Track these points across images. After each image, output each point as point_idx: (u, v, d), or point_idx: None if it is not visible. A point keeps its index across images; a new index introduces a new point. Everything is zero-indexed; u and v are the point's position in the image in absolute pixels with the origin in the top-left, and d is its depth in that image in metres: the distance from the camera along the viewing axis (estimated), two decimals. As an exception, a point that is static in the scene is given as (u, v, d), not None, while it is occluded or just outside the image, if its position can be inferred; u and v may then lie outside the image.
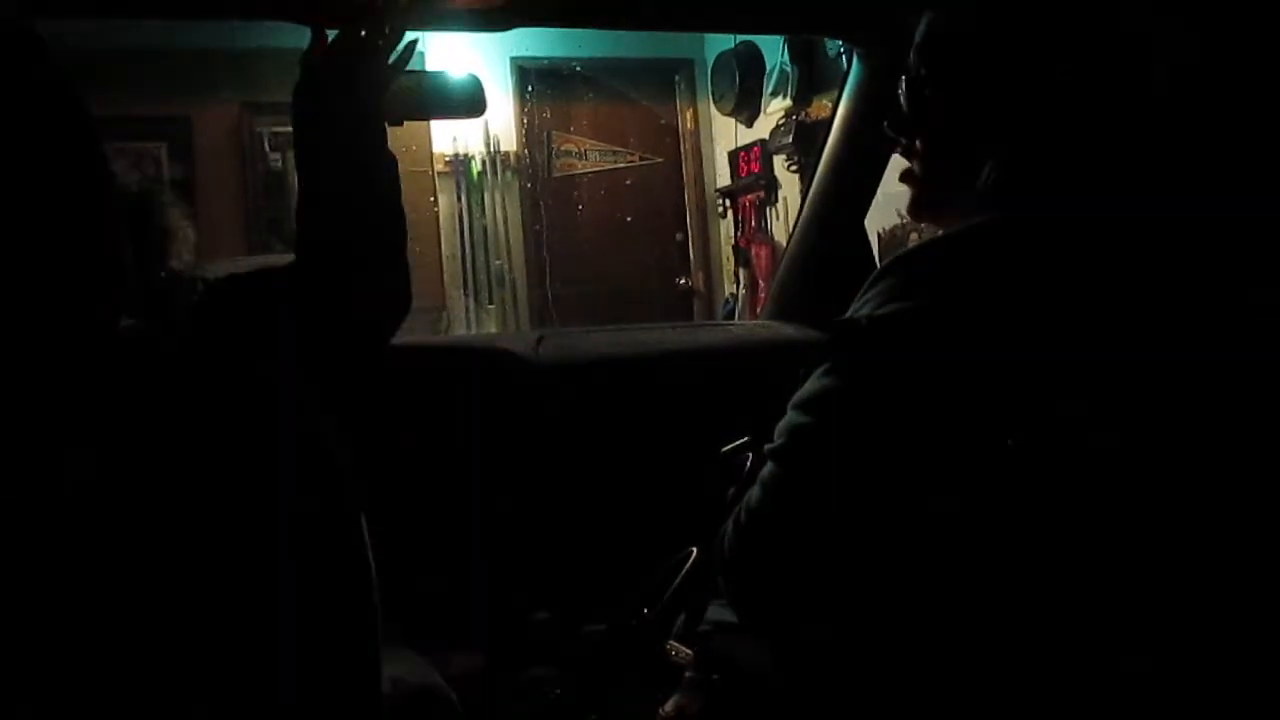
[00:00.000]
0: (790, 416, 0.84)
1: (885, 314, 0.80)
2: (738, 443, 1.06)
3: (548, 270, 4.85)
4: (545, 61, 4.68)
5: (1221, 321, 0.81)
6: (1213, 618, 0.78)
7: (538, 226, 4.84)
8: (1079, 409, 0.77)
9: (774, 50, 4.32)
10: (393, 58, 1.01)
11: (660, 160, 5.11)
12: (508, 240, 4.76)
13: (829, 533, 0.81)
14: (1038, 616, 0.78)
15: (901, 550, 0.80)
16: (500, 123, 4.68)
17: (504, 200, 4.74)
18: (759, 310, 2.89)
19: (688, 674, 1.04)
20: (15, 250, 0.50)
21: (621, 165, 5.03)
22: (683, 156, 5.15)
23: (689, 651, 1.06)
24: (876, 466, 0.79)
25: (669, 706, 1.01)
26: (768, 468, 0.85)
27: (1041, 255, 0.81)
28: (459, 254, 4.65)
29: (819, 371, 0.83)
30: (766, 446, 0.86)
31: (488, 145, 4.68)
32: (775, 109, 4.39)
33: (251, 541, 0.54)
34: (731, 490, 0.94)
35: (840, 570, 0.82)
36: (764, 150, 4.55)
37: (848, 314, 0.84)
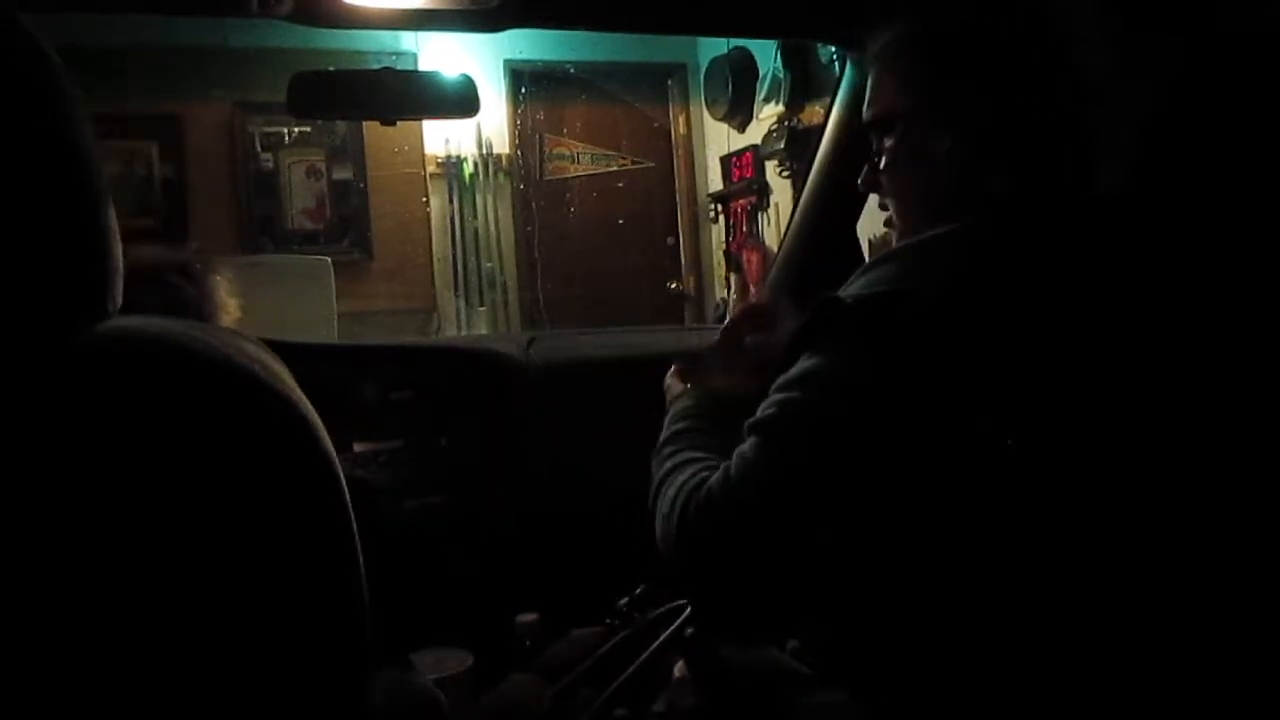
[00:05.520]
0: (773, 395, 0.83)
1: (870, 294, 0.80)
2: None
3: (539, 273, 4.85)
4: (539, 64, 4.68)
5: (1215, 322, 0.82)
6: (1212, 616, 0.78)
7: (529, 229, 4.84)
8: (1073, 408, 0.78)
9: (767, 56, 4.34)
10: None
11: (652, 164, 5.11)
12: (499, 243, 4.75)
13: (808, 514, 0.79)
14: (1032, 611, 0.78)
15: (888, 537, 0.80)
16: (493, 125, 4.68)
17: (496, 203, 4.73)
18: (750, 315, 2.89)
19: (678, 672, 1.05)
20: (8, 244, 0.50)
21: (614, 169, 5.03)
22: (675, 161, 5.16)
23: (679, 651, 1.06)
24: (865, 447, 0.78)
25: (660, 705, 1.01)
26: (746, 443, 0.82)
27: (1037, 254, 0.82)
28: (450, 256, 4.64)
29: (804, 355, 0.82)
30: (746, 421, 0.84)
31: (480, 147, 4.68)
32: (768, 114, 4.40)
33: (242, 543, 0.54)
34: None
35: (816, 554, 0.80)
36: (756, 155, 4.55)
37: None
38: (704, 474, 0.85)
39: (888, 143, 0.95)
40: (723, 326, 1.19)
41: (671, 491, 0.87)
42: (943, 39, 0.91)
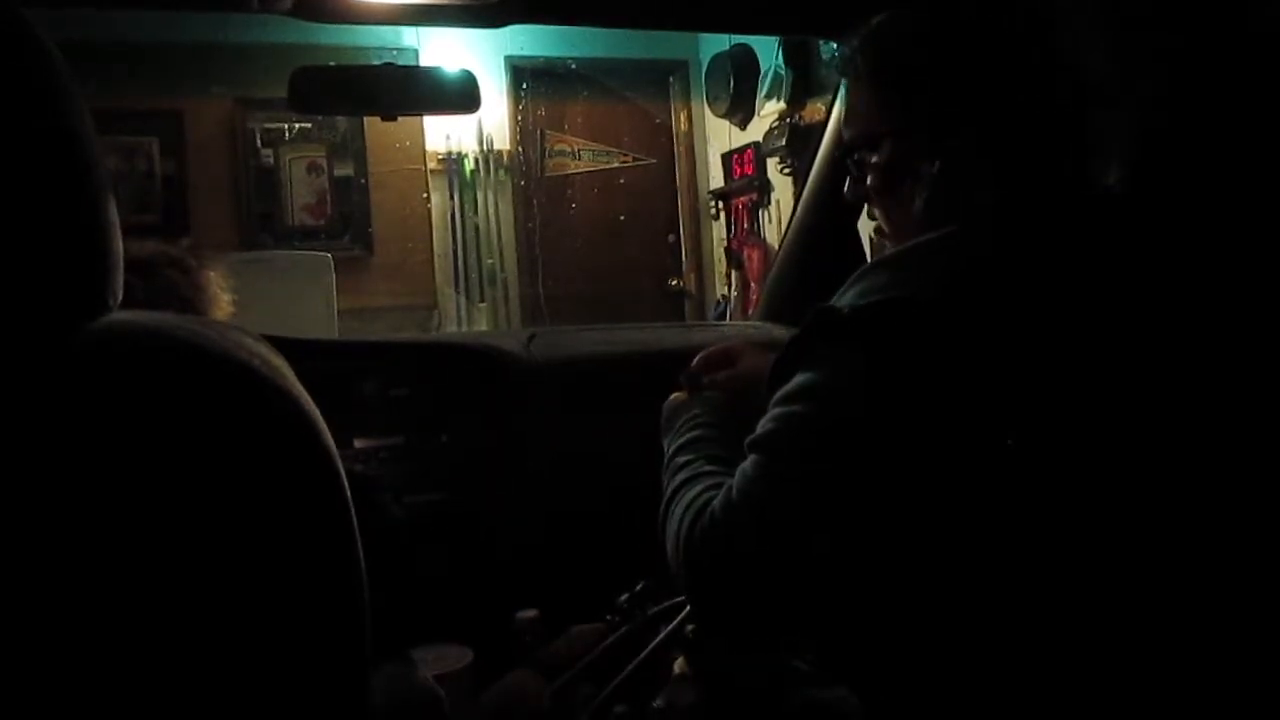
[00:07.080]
0: (772, 410, 0.82)
1: (865, 303, 0.79)
2: None
3: (540, 269, 4.85)
4: (540, 60, 4.68)
5: (1215, 322, 0.82)
6: (1212, 617, 0.78)
7: (530, 225, 4.84)
8: (1073, 408, 0.78)
9: (768, 52, 4.33)
10: None
11: (653, 161, 5.11)
12: (500, 239, 4.75)
13: (812, 528, 0.78)
14: (1035, 615, 0.78)
15: (892, 543, 0.80)
16: (494, 121, 4.68)
17: (497, 199, 4.73)
18: (750, 312, 2.90)
19: (678, 669, 1.05)
20: (9, 239, 0.50)
21: (615, 165, 5.03)
22: (676, 158, 5.16)
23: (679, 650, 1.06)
24: (867, 457, 0.78)
25: (660, 701, 1.02)
26: (747, 461, 0.82)
27: (1032, 255, 0.82)
28: (451, 252, 4.64)
29: (800, 369, 0.81)
30: (747, 439, 0.83)
31: (481, 144, 4.67)
32: (769, 111, 4.40)
33: (243, 539, 0.54)
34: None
35: (823, 568, 0.80)
36: (757, 153, 4.55)
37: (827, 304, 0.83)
38: (709, 493, 0.85)
39: (873, 160, 0.92)
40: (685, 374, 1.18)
41: (679, 510, 0.87)
42: (927, 51, 0.89)
